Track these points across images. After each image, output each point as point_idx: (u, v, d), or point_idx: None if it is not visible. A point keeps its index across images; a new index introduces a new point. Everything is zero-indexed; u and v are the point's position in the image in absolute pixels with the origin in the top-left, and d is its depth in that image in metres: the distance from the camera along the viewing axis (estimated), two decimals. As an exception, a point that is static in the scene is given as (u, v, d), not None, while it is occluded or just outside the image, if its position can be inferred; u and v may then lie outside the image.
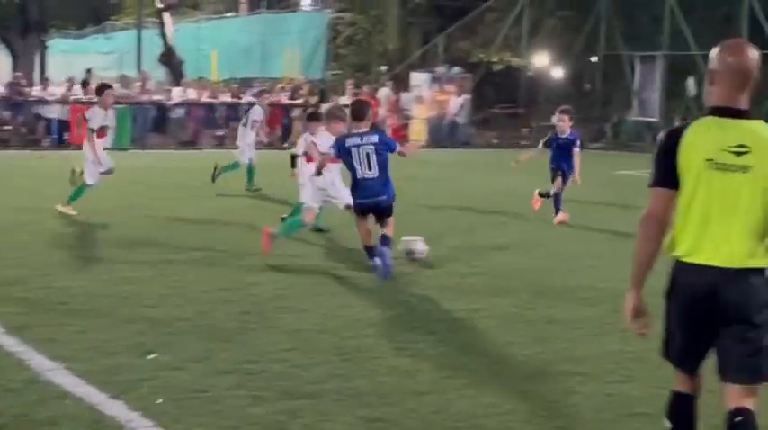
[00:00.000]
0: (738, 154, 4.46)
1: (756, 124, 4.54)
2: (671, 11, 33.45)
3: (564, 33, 38.79)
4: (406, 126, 32.54)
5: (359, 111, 10.66)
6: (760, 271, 4.50)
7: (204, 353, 6.98)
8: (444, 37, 37.26)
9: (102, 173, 14.14)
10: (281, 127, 30.36)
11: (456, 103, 33.67)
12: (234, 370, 6.61)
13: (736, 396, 4.55)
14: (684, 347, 4.66)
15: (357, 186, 10.42)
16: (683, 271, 4.59)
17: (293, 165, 13.24)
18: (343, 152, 10.42)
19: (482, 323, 8.22)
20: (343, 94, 32.12)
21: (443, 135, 33.02)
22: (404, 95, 33.78)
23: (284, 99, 31.25)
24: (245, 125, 18.27)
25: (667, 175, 4.58)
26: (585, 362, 7.09)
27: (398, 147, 10.75)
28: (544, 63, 40.00)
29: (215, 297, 8.90)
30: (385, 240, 10.33)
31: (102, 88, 14.69)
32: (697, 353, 4.67)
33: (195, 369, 6.61)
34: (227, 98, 30.64)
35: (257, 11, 41.29)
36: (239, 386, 6.27)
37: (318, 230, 12.60)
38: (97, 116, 14.02)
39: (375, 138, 10.40)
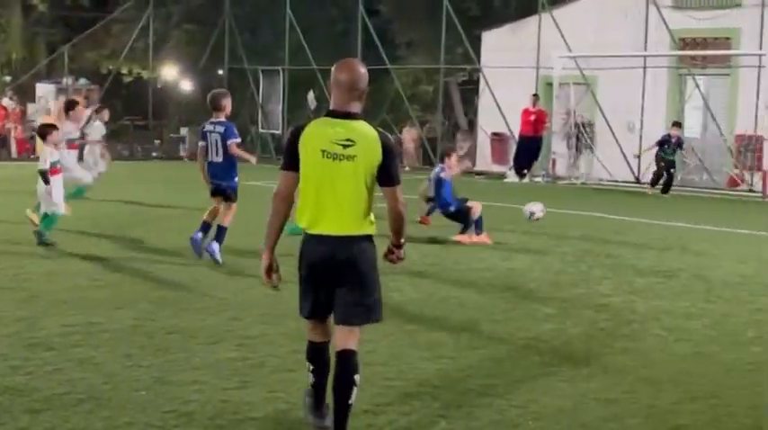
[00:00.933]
0: (345, 146, 5.59)
1: (361, 124, 5.67)
2: (291, 27, 34.50)
3: (190, 46, 38.96)
4: (32, 138, 31.48)
5: (214, 101, 11.96)
6: (367, 237, 5.70)
7: None
8: (70, 47, 36.35)
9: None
10: None
11: (84, 114, 32.91)
12: None
13: (344, 338, 5.71)
14: (314, 301, 5.73)
15: (208, 169, 11.99)
16: (308, 240, 5.71)
17: (46, 181, 13.05)
18: (201, 136, 12.01)
19: (102, 336, 8.21)
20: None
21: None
22: (30, 106, 32.69)
23: None
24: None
25: (291, 162, 5.67)
26: (203, 369, 7.28)
27: (231, 141, 11.85)
28: (172, 75, 39.99)
29: None
30: (219, 230, 11.95)
31: (72, 104, 15.78)
32: (324, 304, 5.73)
33: None
34: None
35: None
36: None
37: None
38: (69, 130, 15.49)
39: (222, 129, 11.84)
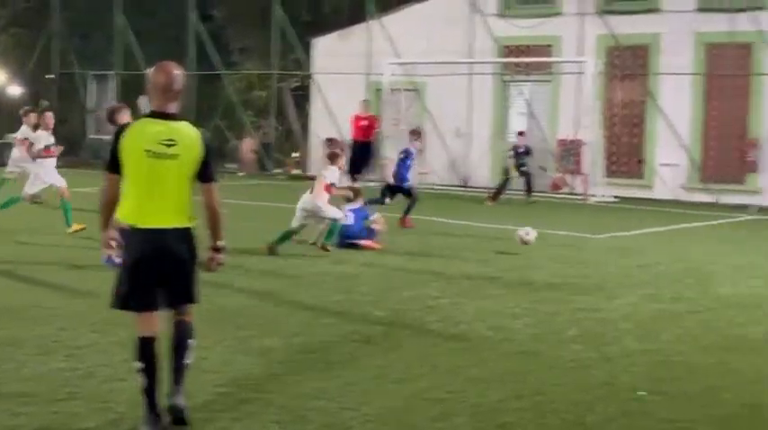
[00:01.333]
0: (168, 146, 5.96)
1: (182, 124, 6.09)
2: (122, 32, 33.96)
3: (18, 50, 37.93)
4: None
5: (110, 116, 12.26)
6: (188, 229, 6.10)
7: None
8: None
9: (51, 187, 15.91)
10: None
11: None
12: None
13: (179, 315, 6.23)
14: (144, 293, 6.02)
15: None
16: (135, 234, 6.01)
17: None
18: None
19: (-76, 351, 7.98)
20: None
21: None
22: None
23: None
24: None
25: (114, 163, 6.03)
26: (31, 381, 7.15)
27: None
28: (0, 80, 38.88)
29: None
30: None
31: (44, 112, 16.18)
32: (153, 294, 6.04)
33: None
34: None
35: None
36: None
37: None
38: (41, 138, 15.90)
39: None
